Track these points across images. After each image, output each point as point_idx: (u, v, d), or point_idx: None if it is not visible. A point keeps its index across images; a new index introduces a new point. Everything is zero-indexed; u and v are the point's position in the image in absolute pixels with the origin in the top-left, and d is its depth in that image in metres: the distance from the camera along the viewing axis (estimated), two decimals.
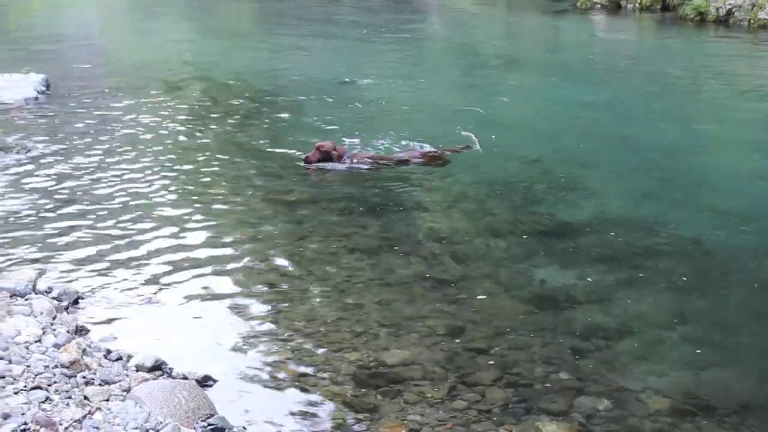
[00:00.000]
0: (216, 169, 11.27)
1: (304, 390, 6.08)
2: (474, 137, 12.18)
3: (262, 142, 12.41)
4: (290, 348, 6.63)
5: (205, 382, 6.06)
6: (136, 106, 14.76)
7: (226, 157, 11.66)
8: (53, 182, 10.45)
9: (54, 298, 7.12)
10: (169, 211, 9.63)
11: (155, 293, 7.54)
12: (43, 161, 11.33)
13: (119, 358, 6.20)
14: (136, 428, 5.11)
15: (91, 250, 8.43)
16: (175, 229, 9.06)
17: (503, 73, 18.72)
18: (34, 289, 7.18)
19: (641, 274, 8.08)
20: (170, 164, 11.46)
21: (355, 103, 15.02)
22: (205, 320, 7.14)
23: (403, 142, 12.11)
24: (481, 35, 24.98)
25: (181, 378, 6.02)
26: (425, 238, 8.99)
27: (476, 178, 10.86)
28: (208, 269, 8.10)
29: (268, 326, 7.01)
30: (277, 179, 10.79)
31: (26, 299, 6.94)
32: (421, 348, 6.63)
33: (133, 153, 11.86)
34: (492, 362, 6.44)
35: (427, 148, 11.74)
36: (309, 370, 6.33)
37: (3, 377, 5.44)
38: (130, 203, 9.82)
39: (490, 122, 13.43)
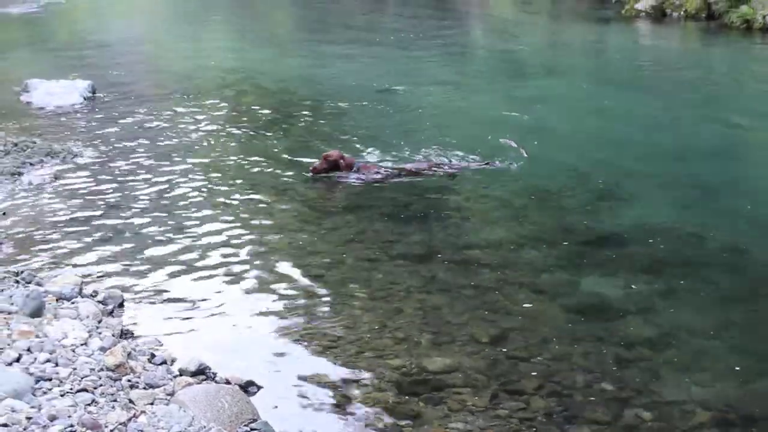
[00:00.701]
0: (258, 175, 11.33)
1: (345, 396, 6.10)
2: (515, 145, 12.12)
3: (302, 148, 12.44)
4: (332, 354, 6.66)
5: (247, 387, 6.10)
6: (179, 113, 14.89)
7: (268, 163, 11.72)
8: (99, 187, 10.59)
9: (99, 301, 7.21)
10: (211, 217, 9.70)
11: (198, 298, 7.61)
12: (88, 166, 11.47)
13: (163, 362, 6.26)
14: None
15: (135, 255, 8.53)
16: (217, 235, 9.13)
17: (546, 81, 18.63)
18: (80, 292, 7.27)
19: (684, 284, 8.01)
20: (213, 170, 11.55)
21: (396, 111, 15.03)
22: (246, 325, 7.18)
23: (444, 152, 12.04)
24: (524, 43, 24.87)
25: (224, 383, 6.07)
26: (467, 245, 8.98)
27: (518, 186, 10.82)
28: (250, 275, 8.16)
29: (310, 332, 7.03)
30: (318, 186, 10.82)
31: (72, 303, 7.03)
32: (463, 355, 6.63)
33: (176, 158, 11.98)
34: (534, 371, 6.42)
35: (472, 159, 11.65)
36: (351, 376, 6.35)
37: (50, 379, 5.52)
38: (174, 208, 9.92)
39: (533, 130, 13.37)
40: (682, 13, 28.24)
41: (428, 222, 9.61)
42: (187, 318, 7.25)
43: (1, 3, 31.81)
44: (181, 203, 10.11)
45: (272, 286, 7.92)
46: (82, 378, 5.61)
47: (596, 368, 6.48)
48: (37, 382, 5.45)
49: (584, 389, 6.20)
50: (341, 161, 11.00)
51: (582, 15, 29.68)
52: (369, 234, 9.25)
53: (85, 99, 15.53)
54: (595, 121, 14.50)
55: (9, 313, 6.51)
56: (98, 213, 9.69)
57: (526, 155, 11.81)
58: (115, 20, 30.83)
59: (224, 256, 8.57)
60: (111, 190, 10.48)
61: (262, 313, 7.39)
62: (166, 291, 7.74)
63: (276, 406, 5.94)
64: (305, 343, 6.86)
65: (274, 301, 7.63)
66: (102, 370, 5.77)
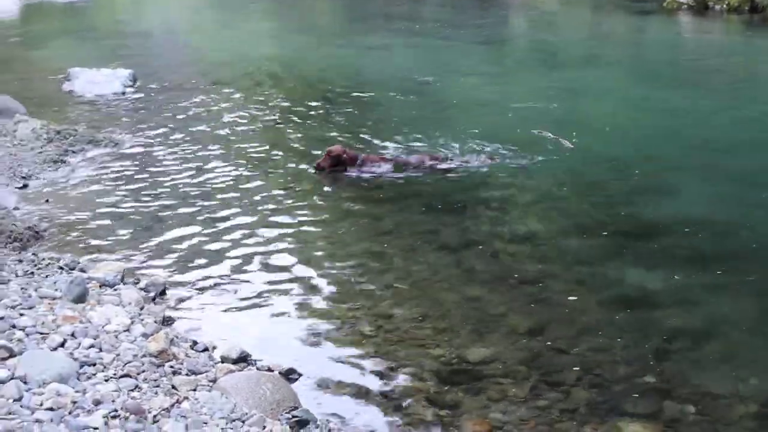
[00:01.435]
0: (298, 164, 11.36)
1: (386, 385, 6.11)
2: (552, 136, 12.05)
3: (342, 139, 12.44)
4: (373, 343, 6.67)
5: (289, 374, 6.14)
6: (219, 101, 14.98)
7: (310, 153, 11.73)
8: (139, 175, 10.69)
9: (141, 288, 7.28)
10: (251, 206, 9.73)
11: (239, 286, 7.66)
12: (130, 154, 11.59)
13: (205, 349, 6.31)
14: (223, 418, 5.19)
15: (176, 243, 8.60)
16: (258, 224, 9.18)
17: (586, 72, 18.49)
18: (122, 279, 7.35)
19: (726, 276, 7.92)
20: (253, 158, 11.59)
21: (435, 102, 14.99)
22: (288, 314, 7.22)
23: (482, 145, 11.96)
24: (564, 35, 24.73)
25: (266, 370, 6.10)
26: (507, 236, 8.96)
27: (559, 178, 10.76)
28: (291, 263, 8.19)
29: (351, 321, 7.05)
30: (354, 178, 10.79)
31: (115, 289, 7.11)
32: (503, 346, 6.62)
33: (216, 147, 12.05)
34: (574, 362, 6.39)
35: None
36: (391, 365, 6.35)
37: (94, 364, 5.58)
38: (214, 196, 9.98)
39: (573, 122, 13.29)
40: (724, 5, 27.91)
41: (467, 213, 9.59)
42: (228, 306, 7.30)
43: None
44: (222, 192, 10.17)
45: (312, 275, 7.95)
46: (125, 364, 5.66)
47: (637, 360, 6.44)
48: (81, 367, 5.51)
49: (625, 381, 6.16)
50: (344, 155, 10.90)
51: (623, 7, 29.42)
52: (408, 225, 9.25)
53: (126, 87, 15.67)
54: (636, 113, 14.39)
55: (54, 299, 6.59)
56: (139, 200, 9.78)
57: (569, 146, 11.73)
58: (153, 9, 31.03)
59: (263, 245, 8.61)
60: (152, 178, 10.57)
61: (302, 302, 7.42)
62: (206, 279, 7.79)
63: (317, 394, 5.98)
64: (345, 332, 6.88)
65: (313, 289, 7.67)
66: (145, 356, 5.83)
